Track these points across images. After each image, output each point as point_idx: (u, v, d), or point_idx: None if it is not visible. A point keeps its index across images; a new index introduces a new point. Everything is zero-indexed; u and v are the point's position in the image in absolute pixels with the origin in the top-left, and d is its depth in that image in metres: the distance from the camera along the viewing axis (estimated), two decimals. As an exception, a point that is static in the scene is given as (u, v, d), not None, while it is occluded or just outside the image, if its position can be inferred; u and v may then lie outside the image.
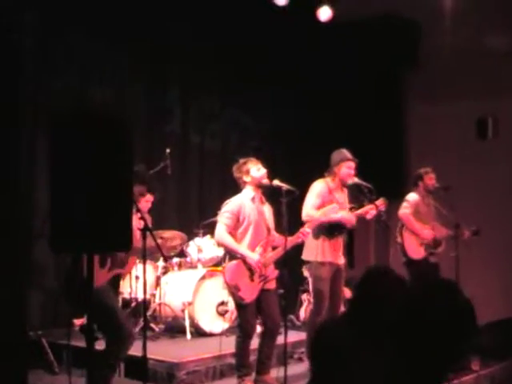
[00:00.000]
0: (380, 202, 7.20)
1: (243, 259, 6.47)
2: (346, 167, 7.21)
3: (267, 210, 6.77)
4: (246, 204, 6.56)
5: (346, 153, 7.26)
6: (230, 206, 6.56)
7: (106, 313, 5.45)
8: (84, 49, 8.50)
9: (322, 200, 7.11)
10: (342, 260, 7.31)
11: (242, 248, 6.50)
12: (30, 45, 7.86)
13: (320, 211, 6.94)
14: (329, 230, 7.11)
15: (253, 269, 6.46)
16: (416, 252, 8.39)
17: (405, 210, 8.35)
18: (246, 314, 6.52)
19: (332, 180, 7.25)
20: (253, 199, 6.60)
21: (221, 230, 6.55)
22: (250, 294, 6.47)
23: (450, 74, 10.44)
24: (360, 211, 7.24)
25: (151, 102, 9.42)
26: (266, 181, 6.60)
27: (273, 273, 6.67)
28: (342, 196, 7.33)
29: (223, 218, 6.54)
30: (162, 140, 9.24)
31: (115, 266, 5.72)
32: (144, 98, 9.35)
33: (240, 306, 6.54)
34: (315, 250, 7.12)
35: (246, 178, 6.62)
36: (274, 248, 6.72)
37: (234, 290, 6.48)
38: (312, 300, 7.39)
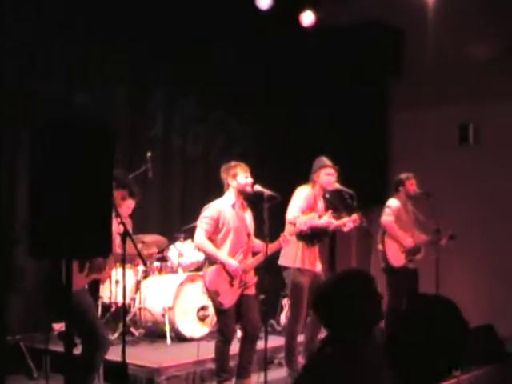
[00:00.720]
0: (357, 216, 7.23)
1: (223, 264, 6.46)
2: (325, 174, 7.25)
3: (248, 216, 6.76)
4: (226, 210, 6.55)
5: (324, 160, 7.28)
6: (210, 211, 6.54)
7: (80, 316, 5.42)
8: (66, 52, 8.44)
9: (308, 205, 7.12)
10: (319, 267, 7.33)
11: (222, 254, 6.49)
12: (10, 47, 7.82)
13: (299, 219, 6.93)
14: (310, 237, 7.12)
15: (232, 275, 6.45)
16: (397, 259, 8.40)
17: (388, 217, 8.35)
18: (225, 319, 6.51)
19: (313, 188, 7.26)
20: (233, 205, 6.59)
21: (200, 235, 6.53)
22: (229, 300, 6.46)
23: (432, 80, 10.48)
24: (337, 223, 7.26)
25: (134, 106, 9.37)
26: (249, 189, 6.59)
27: (252, 279, 6.66)
28: (322, 205, 7.35)
29: (202, 224, 6.52)
30: (144, 143, 9.20)
31: (93, 271, 5.69)
32: (126, 102, 9.29)
33: (219, 311, 6.53)
34: (294, 257, 7.12)
35: (232, 182, 6.60)
36: (254, 254, 6.71)
37: (213, 295, 6.48)
38: (290, 307, 7.38)
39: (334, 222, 7.17)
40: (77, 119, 5.35)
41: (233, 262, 6.47)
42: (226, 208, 6.56)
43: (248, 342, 6.61)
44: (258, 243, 6.73)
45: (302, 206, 7.10)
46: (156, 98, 9.67)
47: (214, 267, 6.51)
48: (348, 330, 3.03)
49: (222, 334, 6.53)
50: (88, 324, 5.55)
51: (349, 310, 3.04)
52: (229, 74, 10.01)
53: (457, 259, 9.43)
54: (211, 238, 6.51)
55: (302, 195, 7.19)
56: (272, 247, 6.54)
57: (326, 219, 7.10)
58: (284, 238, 6.66)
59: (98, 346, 5.65)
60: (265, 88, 10.45)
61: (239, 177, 6.58)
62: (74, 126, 3.81)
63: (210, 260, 6.62)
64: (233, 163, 6.69)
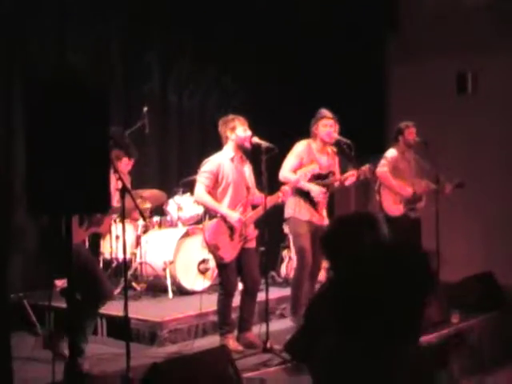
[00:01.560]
0: (364, 169, 7.25)
1: (223, 218, 6.47)
2: (323, 125, 7.24)
3: (247, 169, 6.76)
4: (226, 164, 6.54)
5: (323, 111, 7.26)
6: (209, 165, 6.53)
7: (81, 268, 5.44)
8: (60, 6, 8.36)
9: (300, 161, 7.11)
10: (325, 221, 7.33)
11: (222, 207, 6.50)
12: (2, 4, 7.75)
13: (300, 171, 6.94)
14: (303, 192, 7.17)
15: (233, 228, 6.47)
16: (394, 209, 8.40)
17: (382, 168, 8.33)
18: (226, 273, 6.54)
19: (314, 141, 7.26)
20: (232, 159, 6.58)
21: (200, 190, 6.53)
22: (229, 254, 6.48)
23: (429, 31, 10.40)
24: (337, 179, 7.28)
25: (129, 61, 9.30)
26: (247, 144, 6.57)
27: (253, 232, 6.69)
28: (328, 160, 7.33)
29: (202, 178, 6.52)
30: (140, 99, 9.15)
31: (92, 225, 5.71)
32: (122, 57, 9.23)
33: (220, 265, 6.56)
34: (293, 208, 7.19)
35: (230, 135, 6.58)
36: (254, 207, 6.73)
37: (213, 249, 6.50)
38: (295, 257, 7.43)
39: (315, 191, 7.17)
40: (71, 76, 5.32)
41: (234, 215, 6.48)
42: (225, 162, 6.55)
43: (249, 294, 6.66)
44: (257, 196, 6.73)
45: (293, 164, 7.11)
46: (151, 53, 9.60)
47: (213, 221, 6.52)
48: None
49: (223, 288, 6.56)
50: (89, 275, 5.57)
51: (352, 246, 3.02)
52: (224, 29, 9.91)
53: (456, 209, 9.43)
54: (211, 192, 6.51)
55: (293, 153, 7.22)
56: (271, 200, 6.55)
57: (313, 188, 7.16)
58: (284, 191, 6.67)
59: (100, 297, 5.68)
60: (260, 43, 10.32)
61: (238, 130, 6.56)
62: (68, 83, 3.79)
63: (210, 214, 6.63)
64: (231, 116, 6.66)
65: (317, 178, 7.20)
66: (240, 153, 6.65)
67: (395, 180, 8.36)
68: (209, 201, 6.51)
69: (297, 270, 7.36)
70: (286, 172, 7.07)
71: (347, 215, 3.44)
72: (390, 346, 2.32)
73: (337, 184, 7.39)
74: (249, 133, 6.59)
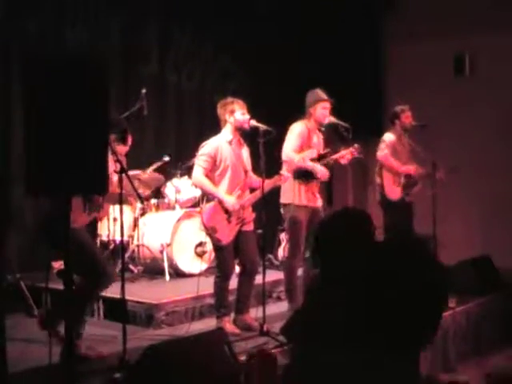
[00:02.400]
0: (355, 147, 7.23)
1: (220, 201, 6.47)
2: (321, 108, 7.19)
3: (245, 152, 6.75)
4: (224, 147, 6.52)
5: (320, 93, 7.22)
6: (207, 148, 6.52)
7: (84, 251, 5.45)
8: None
9: (302, 141, 7.10)
10: (319, 202, 7.32)
11: (219, 191, 6.48)
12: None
13: (299, 155, 6.94)
14: (304, 175, 7.13)
15: (229, 211, 6.47)
16: (394, 192, 8.40)
17: (383, 151, 8.32)
18: (224, 255, 6.54)
19: (308, 121, 7.23)
20: (230, 142, 6.57)
21: (198, 173, 6.51)
22: (226, 236, 6.48)
23: (427, 12, 10.39)
24: (335, 156, 7.25)
25: (128, 42, 9.27)
26: (246, 126, 6.56)
27: (250, 215, 6.68)
28: (318, 140, 7.32)
29: (200, 161, 6.50)
30: (139, 80, 9.12)
31: (93, 210, 5.71)
32: (120, 38, 9.19)
33: (218, 247, 6.56)
34: (292, 193, 7.12)
35: (229, 118, 6.56)
36: (252, 191, 6.72)
37: (211, 232, 6.49)
38: (288, 244, 7.40)
39: (319, 169, 7.15)
40: (69, 54, 5.30)
41: (229, 199, 6.47)
42: (223, 145, 6.53)
43: (246, 277, 6.66)
44: (255, 179, 6.71)
45: (296, 144, 7.08)
46: (150, 34, 9.57)
47: (211, 204, 6.52)
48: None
49: (220, 270, 6.56)
50: (87, 258, 5.56)
51: (340, 250, 2.99)
52: (223, 9, 9.87)
53: (453, 193, 9.43)
54: (209, 175, 6.49)
55: (295, 133, 7.15)
56: (269, 183, 6.54)
57: (318, 166, 7.15)
58: (282, 175, 6.66)
59: (101, 278, 5.67)
60: (259, 24, 10.31)
61: (237, 113, 6.54)
62: (66, 61, 3.77)
63: (208, 197, 6.63)
64: (229, 99, 6.64)
65: (317, 158, 7.19)
66: (238, 136, 6.64)
67: (395, 161, 8.36)
68: (206, 184, 6.49)
69: (289, 258, 7.30)
70: (289, 152, 7.03)
71: (346, 209, 3.39)
72: (393, 358, 2.31)
73: (332, 161, 7.36)
74: (247, 116, 6.57)
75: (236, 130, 6.59)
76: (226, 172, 6.52)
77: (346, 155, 7.23)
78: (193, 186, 8.38)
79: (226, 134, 6.60)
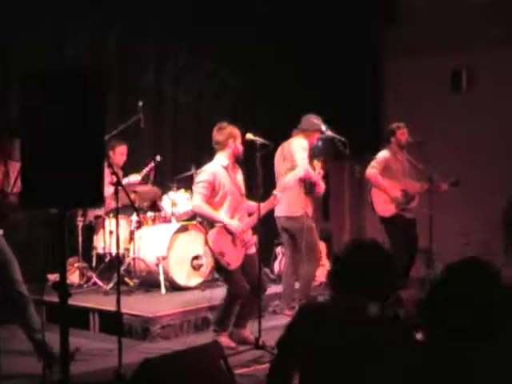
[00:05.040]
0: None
1: (223, 226, 6.45)
2: (316, 138, 7.65)
3: (239, 176, 6.78)
4: (220, 172, 6.52)
5: (319, 124, 7.41)
6: (205, 175, 6.50)
7: None
8: (55, 2, 8.34)
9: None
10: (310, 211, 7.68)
11: (222, 216, 6.48)
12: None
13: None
14: (310, 185, 7.42)
15: (234, 234, 6.46)
16: (385, 209, 8.42)
17: (371, 169, 8.35)
18: (234, 279, 6.51)
19: (306, 139, 7.58)
20: (226, 167, 6.57)
21: (198, 200, 6.51)
22: (235, 260, 6.47)
23: (424, 28, 10.41)
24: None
25: (125, 54, 9.29)
26: (241, 156, 6.68)
27: (252, 238, 6.70)
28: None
29: (199, 189, 6.49)
30: (136, 93, 9.13)
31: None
32: (118, 50, 9.21)
33: (227, 271, 6.52)
34: (300, 204, 7.43)
35: (231, 144, 6.57)
36: (249, 214, 6.73)
37: (219, 256, 6.45)
38: (306, 252, 7.47)
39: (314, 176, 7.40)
40: (66, 68, 5.30)
41: (234, 222, 6.49)
42: (219, 170, 6.53)
43: (253, 296, 6.60)
44: (250, 204, 6.75)
45: (307, 156, 7.39)
46: (147, 47, 9.58)
47: (215, 229, 6.48)
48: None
49: (231, 293, 6.54)
50: None
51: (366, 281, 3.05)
52: (221, 23, 9.88)
53: (450, 207, 9.43)
54: (208, 201, 6.48)
55: (303, 146, 7.46)
56: (266, 206, 6.59)
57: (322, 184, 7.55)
58: (275, 195, 6.68)
59: None
60: (256, 37, 10.32)
61: (238, 140, 6.59)
62: (63, 75, 3.77)
63: (210, 222, 6.60)
64: (229, 125, 6.65)
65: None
66: (233, 160, 6.66)
67: (386, 181, 8.37)
68: (208, 210, 6.48)
69: (310, 264, 7.56)
70: (305, 163, 7.34)
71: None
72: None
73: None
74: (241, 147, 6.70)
75: (233, 156, 6.61)
76: (225, 197, 6.53)
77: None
78: (189, 199, 8.37)
79: (222, 159, 6.60)
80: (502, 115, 10.01)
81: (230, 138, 6.57)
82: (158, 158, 8.54)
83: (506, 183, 9.90)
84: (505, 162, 9.96)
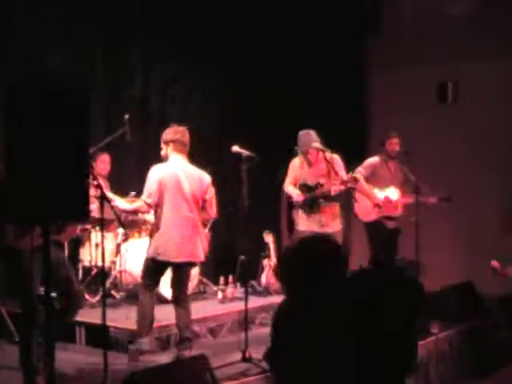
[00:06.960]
0: (349, 178, 7.36)
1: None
2: (309, 154, 7.64)
3: None
4: None
5: (312, 142, 7.39)
6: None
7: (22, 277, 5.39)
8: (41, 12, 8.32)
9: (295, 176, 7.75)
10: (333, 227, 7.80)
11: None
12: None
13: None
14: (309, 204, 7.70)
15: None
16: (367, 214, 8.49)
17: (356, 174, 8.37)
18: None
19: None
20: None
21: None
22: None
23: (411, 39, 10.47)
24: (324, 189, 7.49)
25: (111, 66, 9.28)
26: None
27: None
28: (313, 171, 7.71)
29: None
30: (122, 105, 9.12)
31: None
32: (104, 62, 9.20)
33: None
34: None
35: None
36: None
37: None
38: None
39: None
40: (51, 80, 5.29)
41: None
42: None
43: None
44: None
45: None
46: (133, 59, 9.58)
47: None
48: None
49: None
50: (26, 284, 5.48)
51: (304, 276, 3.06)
52: (206, 33, 9.90)
53: (435, 220, 9.44)
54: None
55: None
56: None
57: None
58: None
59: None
60: (242, 48, 10.34)
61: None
62: (48, 87, 3.76)
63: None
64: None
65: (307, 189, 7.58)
66: None
67: (369, 186, 8.42)
68: None
69: None
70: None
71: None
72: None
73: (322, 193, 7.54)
74: None
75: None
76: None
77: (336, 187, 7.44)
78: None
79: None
80: (487, 126, 10.06)
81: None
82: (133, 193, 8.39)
83: (491, 193, 9.95)
84: (490, 172, 10.01)
